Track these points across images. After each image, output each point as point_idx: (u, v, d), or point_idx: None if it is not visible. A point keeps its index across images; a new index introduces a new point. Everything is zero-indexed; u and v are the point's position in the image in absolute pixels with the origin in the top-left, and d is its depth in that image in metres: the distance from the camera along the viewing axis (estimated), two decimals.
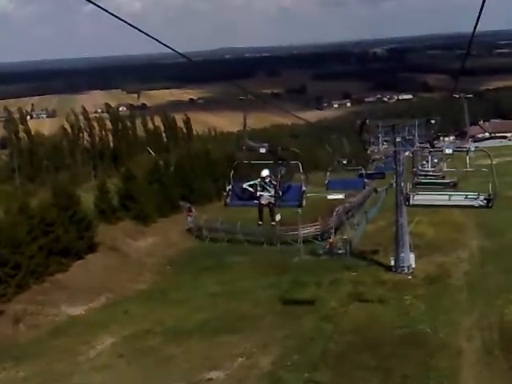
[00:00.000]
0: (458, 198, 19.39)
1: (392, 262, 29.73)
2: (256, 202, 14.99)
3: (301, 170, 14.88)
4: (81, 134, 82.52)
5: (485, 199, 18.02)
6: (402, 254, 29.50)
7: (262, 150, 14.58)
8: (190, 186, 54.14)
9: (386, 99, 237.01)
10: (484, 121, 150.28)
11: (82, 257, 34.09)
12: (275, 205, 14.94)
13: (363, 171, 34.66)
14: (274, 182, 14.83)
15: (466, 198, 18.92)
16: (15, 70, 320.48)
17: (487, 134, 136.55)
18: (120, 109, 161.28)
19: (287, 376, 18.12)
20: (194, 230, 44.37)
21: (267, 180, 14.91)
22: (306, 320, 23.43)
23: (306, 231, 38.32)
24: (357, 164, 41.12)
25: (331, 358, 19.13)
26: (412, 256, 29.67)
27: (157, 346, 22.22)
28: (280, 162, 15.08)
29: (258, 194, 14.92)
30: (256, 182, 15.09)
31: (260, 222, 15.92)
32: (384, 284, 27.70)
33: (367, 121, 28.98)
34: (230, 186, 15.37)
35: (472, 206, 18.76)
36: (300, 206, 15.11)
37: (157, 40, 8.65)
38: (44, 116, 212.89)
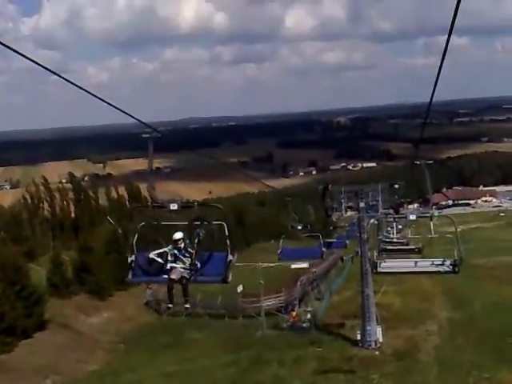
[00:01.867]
0: (424, 264, 19.67)
1: (358, 337, 28.33)
2: (165, 276, 11.58)
3: (226, 233, 11.07)
4: (41, 205, 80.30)
5: (451, 264, 18.24)
6: (368, 328, 28.15)
7: (174, 207, 10.88)
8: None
9: (350, 167, 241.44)
10: (447, 188, 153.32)
11: (29, 335, 31.62)
12: (190, 280, 11.54)
13: (321, 239, 33.78)
14: (191, 250, 11.56)
15: (433, 264, 19.14)
16: None
17: (450, 202, 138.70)
18: (85, 178, 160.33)
19: None
20: (152, 303, 42.32)
21: (181, 246, 11.68)
22: None
23: (269, 303, 36.86)
24: (313, 230, 40.05)
25: None
26: (379, 329, 28.34)
27: None
28: (198, 222, 11.74)
29: (169, 265, 11.57)
30: (166, 249, 11.74)
31: (170, 305, 13.17)
32: (350, 360, 26.15)
33: (329, 186, 28.44)
34: (133, 257, 11.96)
35: (439, 272, 18.94)
36: (224, 281, 11.28)
37: (123, 111, 8.86)
38: (7, 187, 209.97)
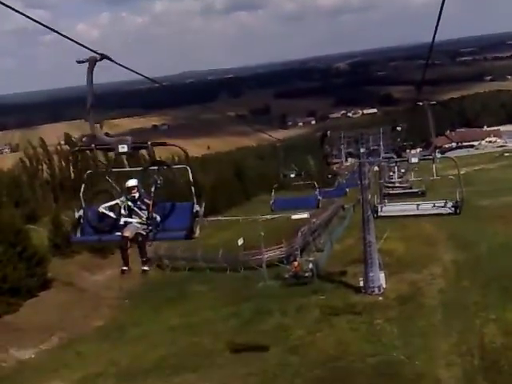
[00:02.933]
0: (426, 207, 19.53)
1: (361, 283, 28.17)
2: (118, 234, 9.73)
3: (191, 179, 9.30)
4: (40, 167, 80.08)
5: (453, 206, 18.15)
6: (371, 274, 27.97)
7: (123, 148, 8.58)
8: None
9: (350, 114, 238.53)
10: (450, 131, 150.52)
11: (34, 295, 31.78)
12: (148, 237, 9.85)
13: (317, 188, 32.57)
14: (147, 201, 9.81)
15: (434, 206, 19.09)
16: None
17: (454, 144, 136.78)
18: (83, 139, 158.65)
19: None
20: (154, 259, 42.18)
21: (135, 196, 9.89)
22: (270, 353, 21.57)
23: (270, 255, 36.66)
24: (309, 179, 39.08)
25: None
26: (382, 275, 28.15)
27: None
28: (156, 167, 9.86)
29: (123, 220, 9.76)
30: (118, 201, 9.87)
31: (124, 268, 10.69)
32: (354, 307, 26.04)
33: (328, 132, 27.64)
34: (81, 212, 9.85)
35: (441, 214, 18.91)
36: (189, 236, 9.55)
37: (122, 65, 8.48)
38: (7, 151, 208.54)
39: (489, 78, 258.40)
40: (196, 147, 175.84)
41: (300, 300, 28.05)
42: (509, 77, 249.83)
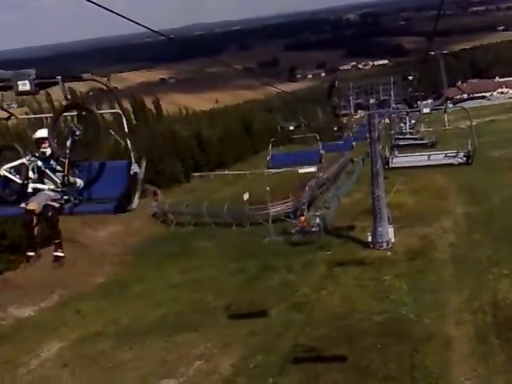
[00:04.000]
0: (437, 157, 19.38)
1: (369, 238, 27.31)
2: (22, 206, 7.21)
3: (125, 129, 7.44)
4: (45, 121, 79.23)
5: (464, 156, 18.08)
6: (379, 229, 27.11)
7: (24, 86, 6.19)
8: (156, 169, 51.23)
9: (361, 66, 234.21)
10: (462, 82, 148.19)
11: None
12: (62, 210, 7.45)
13: (319, 141, 30.78)
14: (62, 159, 7.20)
15: (446, 156, 18.97)
16: None
17: (465, 95, 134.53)
18: (90, 93, 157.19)
19: (248, 383, 15.54)
20: (159, 215, 41.63)
21: (47, 153, 7.46)
22: (274, 311, 20.84)
23: (276, 209, 35.75)
24: (313, 130, 37.52)
25: (301, 356, 16.50)
26: (391, 229, 27.24)
27: (107, 351, 19.56)
28: (75, 112, 7.35)
29: (31, 187, 7.34)
30: (24, 160, 7.42)
31: (30, 254, 8.03)
32: (361, 263, 25.25)
33: (336, 83, 26.37)
34: None
35: (452, 164, 18.83)
36: (122, 209, 7.48)
37: (127, 18, 7.61)
38: (14, 106, 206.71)
39: (501, 28, 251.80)
40: (204, 101, 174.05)
41: (306, 256, 27.32)
42: None
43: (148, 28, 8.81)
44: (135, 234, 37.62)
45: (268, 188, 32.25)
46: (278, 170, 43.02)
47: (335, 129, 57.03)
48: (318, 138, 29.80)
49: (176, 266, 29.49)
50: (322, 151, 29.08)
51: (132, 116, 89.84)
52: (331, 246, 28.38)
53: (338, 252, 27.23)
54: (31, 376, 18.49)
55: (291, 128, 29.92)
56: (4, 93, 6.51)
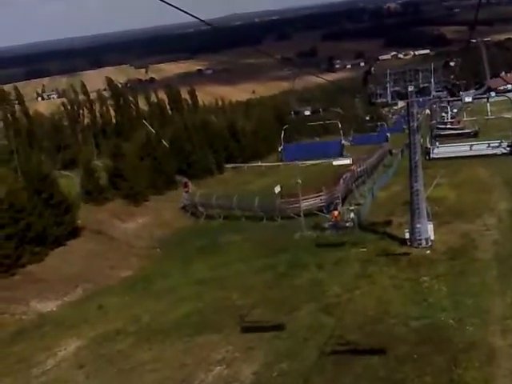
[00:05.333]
0: (480, 148, 19.66)
1: (407, 235, 25.69)
2: None
3: None
4: (81, 112, 79.77)
5: (508, 146, 18.35)
6: (418, 225, 25.40)
7: None
8: (188, 160, 50.46)
9: (401, 56, 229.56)
10: (506, 72, 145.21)
11: (61, 243, 30.58)
12: None
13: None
14: None
15: (489, 146, 19.25)
16: (6, 56, 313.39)
17: (510, 86, 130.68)
18: (128, 84, 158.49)
19: None
20: (189, 207, 40.74)
21: None
22: (302, 312, 19.56)
23: (309, 203, 34.38)
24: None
25: (329, 366, 15.17)
26: (430, 226, 25.58)
27: (125, 351, 18.64)
28: None
29: None
30: None
31: None
32: (398, 261, 23.68)
33: (372, 69, 24.92)
34: None
35: (495, 155, 19.06)
36: None
37: (171, 5, 8.32)
38: (55, 96, 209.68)
39: None
40: (240, 92, 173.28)
41: (339, 252, 25.90)
42: None
43: (194, 16, 9.31)
44: (164, 227, 36.89)
45: (300, 181, 30.84)
46: (313, 162, 41.67)
47: (367, 118, 54.89)
48: (340, 125, 27.68)
49: (203, 261, 28.51)
50: (344, 142, 26.98)
51: (167, 106, 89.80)
52: (366, 242, 26.88)
53: (373, 249, 25.72)
54: (46, 377, 17.70)
55: (307, 113, 27.77)
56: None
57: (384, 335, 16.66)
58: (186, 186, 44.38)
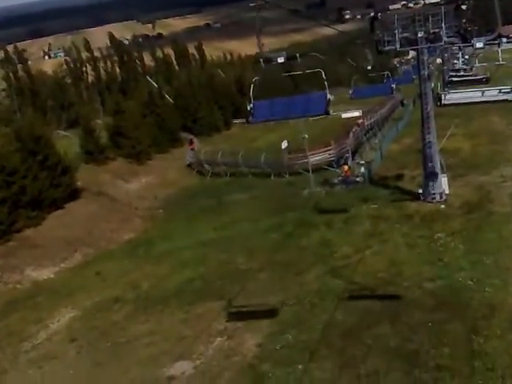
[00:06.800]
0: (491, 93, 20.21)
1: (420, 190, 24.36)
2: None
3: None
4: (84, 69, 78.03)
5: None
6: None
7: None
8: (193, 116, 48.82)
9: (411, 5, 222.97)
10: None
11: (59, 207, 29.24)
12: None
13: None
14: None
15: (500, 92, 19.85)
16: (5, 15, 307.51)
17: None
18: (136, 39, 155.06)
19: (273, 371, 13.19)
20: (194, 165, 39.41)
21: None
22: (310, 275, 18.40)
23: (317, 158, 32.96)
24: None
25: (336, 336, 14.03)
26: (444, 179, 24.30)
27: (121, 322, 17.62)
28: None
29: None
30: None
31: None
32: (411, 218, 22.43)
33: (379, 14, 23.27)
34: None
35: (506, 100, 19.65)
36: None
37: None
38: (62, 54, 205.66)
39: None
40: (250, 45, 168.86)
41: (349, 207, 24.55)
42: None
43: None
44: (169, 186, 35.69)
45: (306, 135, 29.29)
46: (322, 116, 39.89)
47: (369, 68, 52.01)
48: (324, 76, 24.97)
49: (208, 221, 27.37)
50: (330, 96, 24.35)
51: (174, 62, 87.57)
52: (377, 198, 25.59)
53: (385, 205, 24.45)
54: (35, 352, 16.71)
55: (280, 60, 24.82)
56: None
57: (395, 300, 15.42)
58: (191, 143, 43.01)
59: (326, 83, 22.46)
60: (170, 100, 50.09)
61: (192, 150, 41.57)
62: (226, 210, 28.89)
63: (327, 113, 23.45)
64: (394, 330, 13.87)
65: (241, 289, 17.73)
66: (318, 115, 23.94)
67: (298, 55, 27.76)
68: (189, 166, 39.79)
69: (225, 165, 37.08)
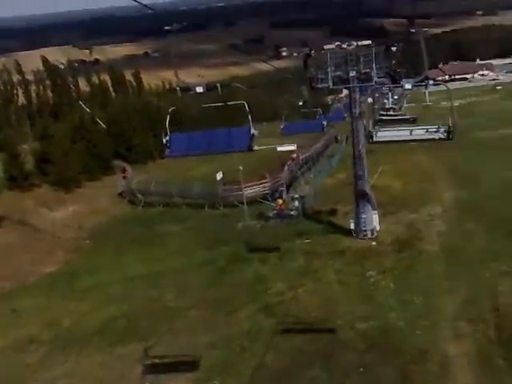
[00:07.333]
0: (419, 132, 20.71)
1: (352, 225, 24.42)
2: None
3: None
4: (15, 91, 75.76)
5: (445, 131, 19.25)
6: (363, 216, 24.24)
7: None
8: (127, 143, 47.72)
9: (345, 46, 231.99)
10: (443, 64, 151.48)
11: None
12: None
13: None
14: None
15: (427, 131, 20.27)
16: None
17: (447, 77, 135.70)
18: (71, 65, 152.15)
19: None
20: (126, 193, 38.23)
21: None
22: (242, 314, 17.80)
23: (252, 190, 32.68)
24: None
25: (266, 381, 13.42)
26: (375, 216, 24.51)
27: (34, 365, 16.32)
28: None
29: None
30: None
31: None
32: (343, 254, 22.36)
33: (312, 52, 23.59)
34: None
35: (433, 139, 20.14)
36: None
37: None
38: None
39: (480, 12, 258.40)
40: (188, 76, 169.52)
41: (283, 244, 24.15)
42: (500, 11, 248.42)
43: (136, 1, 9.30)
44: (98, 215, 34.30)
45: (241, 167, 29.00)
46: (257, 148, 39.81)
47: (300, 103, 52.44)
48: (247, 107, 22.78)
49: (137, 254, 26.33)
50: (254, 131, 22.89)
51: (111, 88, 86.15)
52: (311, 233, 25.46)
53: (318, 240, 24.36)
54: None
55: (199, 90, 22.22)
56: None
57: (327, 341, 15.04)
58: (123, 171, 41.83)
59: (249, 116, 21.20)
60: (103, 126, 48.88)
61: (124, 178, 40.42)
62: (157, 242, 27.93)
63: (250, 149, 22.25)
64: (327, 374, 13.43)
65: (167, 329, 16.85)
66: (241, 151, 22.78)
67: (219, 85, 26.70)
68: (120, 194, 38.58)
69: (158, 194, 36.17)
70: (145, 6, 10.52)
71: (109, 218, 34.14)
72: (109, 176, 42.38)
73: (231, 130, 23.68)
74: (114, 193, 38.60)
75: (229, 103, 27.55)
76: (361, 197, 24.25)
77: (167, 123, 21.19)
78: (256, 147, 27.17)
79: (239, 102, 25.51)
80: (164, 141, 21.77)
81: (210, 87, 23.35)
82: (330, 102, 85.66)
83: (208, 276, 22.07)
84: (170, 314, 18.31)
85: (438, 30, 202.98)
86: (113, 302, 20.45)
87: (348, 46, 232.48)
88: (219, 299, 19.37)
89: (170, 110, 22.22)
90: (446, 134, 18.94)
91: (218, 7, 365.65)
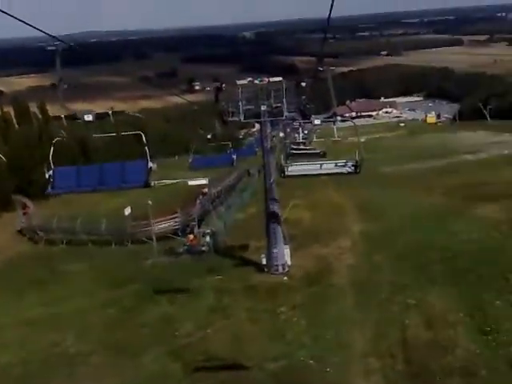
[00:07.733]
0: (328, 166, 21.17)
1: (263, 261, 24.17)
2: None
3: None
4: None
5: (352, 165, 19.71)
6: (274, 250, 24.01)
7: None
8: (29, 178, 45.50)
9: (257, 82, 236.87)
10: (350, 101, 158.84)
11: None
12: None
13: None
14: None
15: (336, 165, 20.72)
16: None
17: (354, 114, 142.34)
18: None
19: None
20: (26, 230, 36.26)
21: None
22: (147, 358, 16.88)
23: (162, 226, 31.95)
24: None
25: None
26: (287, 251, 24.31)
27: None
28: None
29: None
30: None
31: None
32: (255, 290, 21.94)
33: (223, 86, 23.58)
34: None
35: (342, 173, 20.48)
36: None
37: (26, 23, 8.49)
38: None
39: (385, 52, 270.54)
40: (99, 108, 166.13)
41: (192, 282, 23.58)
42: (403, 52, 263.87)
43: (45, 32, 9.36)
44: None
45: (150, 202, 28.24)
46: (168, 182, 39.22)
47: (209, 137, 52.15)
48: (144, 138, 20.90)
49: (37, 295, 24.68)
50: (152, 165, 20.57)
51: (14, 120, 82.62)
52: (222, 269, 24.95)
53: (229, 277, 23.83)
54: None
55: (88, 118, 20.08)
56: None
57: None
58: (24, 206, 39.75)
59: (146, 149, 18.79)
60: (3, 159, 46.53)
61: (25, 214, 38.40)
62: (59, 283, 26.39)
63: (148, 185, 20.19)
64: None
65: (67, 375, 15.67)
66: (136, 187, 20.81)
67: (110, 113, 25.03)
68: (20, 231, 36.54)
69: (61, 231, 34.51)
70: (53, 37, 10.45)
71: (7, 256, 32.10)
72: (9, 212, 40.19)
73: (125, 164, 21.42)
74: (12, 230, 36.62)
75: (123, 133, 25.84)
76: (272, 218, 24.11)
77: (50, 156, 18.97)
78: (154, 183, 25.64)
79: (136, 131, 24.05)
80: (47, 175, 19.44)
81: (100, 115, 21.78)
82: (241, 137, 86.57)
83: (113, 317, 20.93)
84: (71, 360, 17.07)
85: (345, 69, 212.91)
86: (7, 348, 18.83)
87: (260, 81, 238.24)
88: (124, 342, 18.32)
89: (53, 141, 19.98)
90: (353, 168, 19.32)
91: (130, 40, 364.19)
